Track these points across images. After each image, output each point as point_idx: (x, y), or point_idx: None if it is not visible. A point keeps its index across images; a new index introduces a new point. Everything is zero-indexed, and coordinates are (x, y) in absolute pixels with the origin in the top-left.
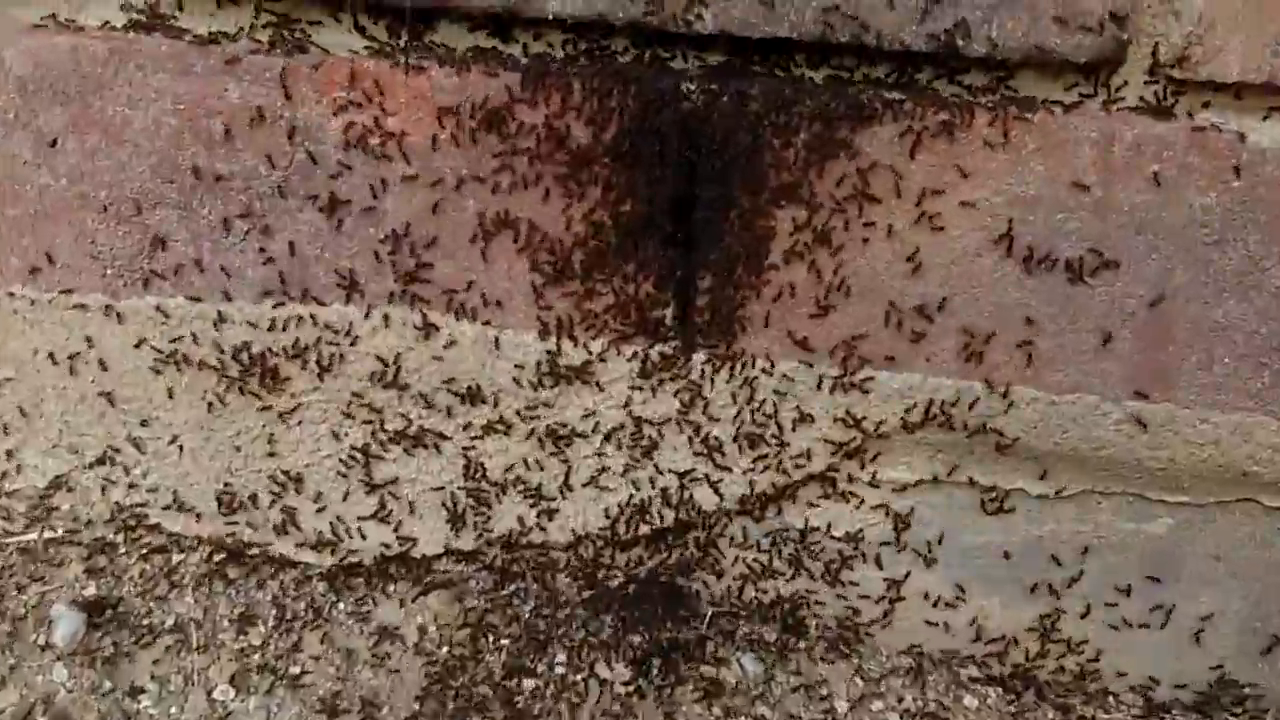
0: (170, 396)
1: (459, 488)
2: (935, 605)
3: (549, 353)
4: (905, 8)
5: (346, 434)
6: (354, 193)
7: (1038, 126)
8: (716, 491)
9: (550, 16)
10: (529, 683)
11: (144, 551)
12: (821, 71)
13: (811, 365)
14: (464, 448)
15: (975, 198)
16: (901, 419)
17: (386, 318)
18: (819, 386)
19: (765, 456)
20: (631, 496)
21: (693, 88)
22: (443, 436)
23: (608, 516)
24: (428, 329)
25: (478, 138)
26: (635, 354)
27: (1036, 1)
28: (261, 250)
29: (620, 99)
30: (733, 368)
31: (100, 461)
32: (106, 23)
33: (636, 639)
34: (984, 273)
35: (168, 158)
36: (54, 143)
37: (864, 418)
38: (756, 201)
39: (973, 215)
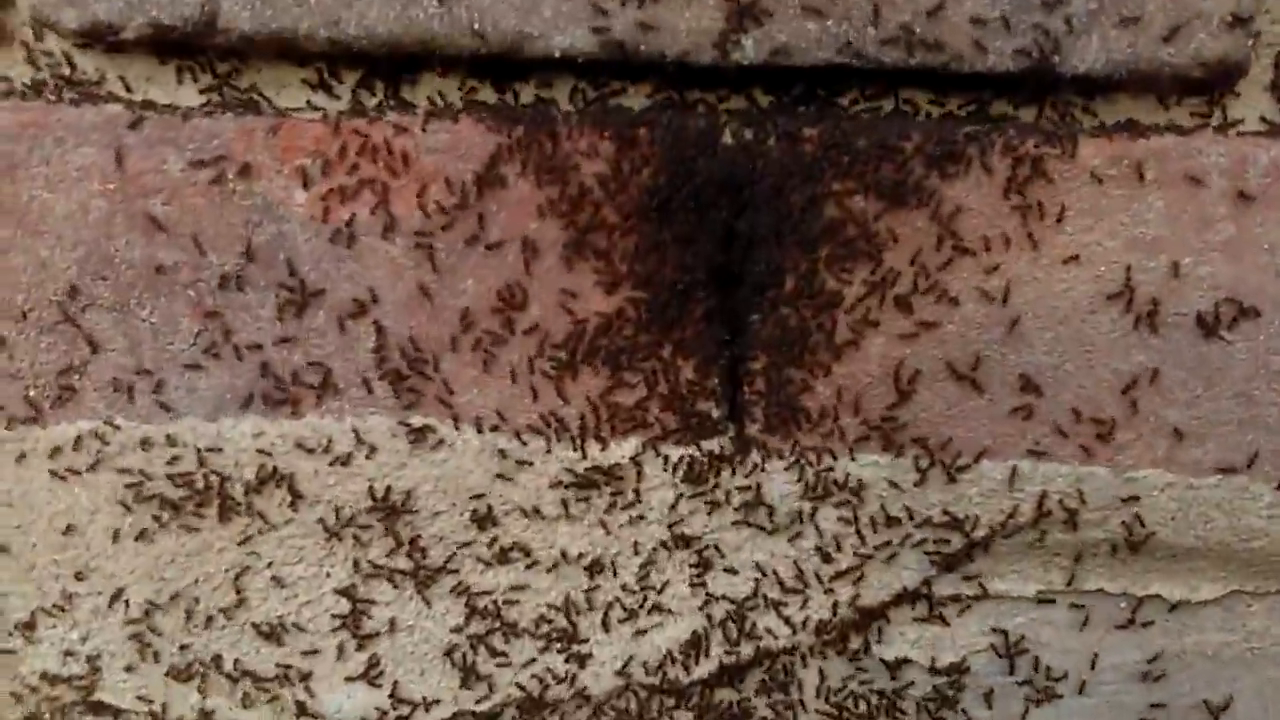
0: (113, 540)
1: (468, 635)
2: None
3: (572, 459)
4: (988, 23)
5: (329, 574)
6: (327, 280)
7: (1155, 154)
8: (786, 621)
9: (557, 55)
10: None
11: None
12: (875, 106)
13: (896, 456)
14: (473, 583)
15: (1085, 243)
16: (1009, 517)
17: (372, 429)
18: (906, 483)
19: (845, 574)
20: (682, 632)
21: (731, 132)
22: (446, 570)
23: (654, 658)
24: (423, 439)
25: (475, 205)
26: (678, 455)
27: (1144, 5)
28: (216, 356)
29: (645, 150)
30: (799, 466)
31: (28, 625)
32: (13, 90)
33: None
34: (1100, 334)
35: (98, 249)
36: None
37: (964, 519)
38: (816, 263)
39: (1082, 265)
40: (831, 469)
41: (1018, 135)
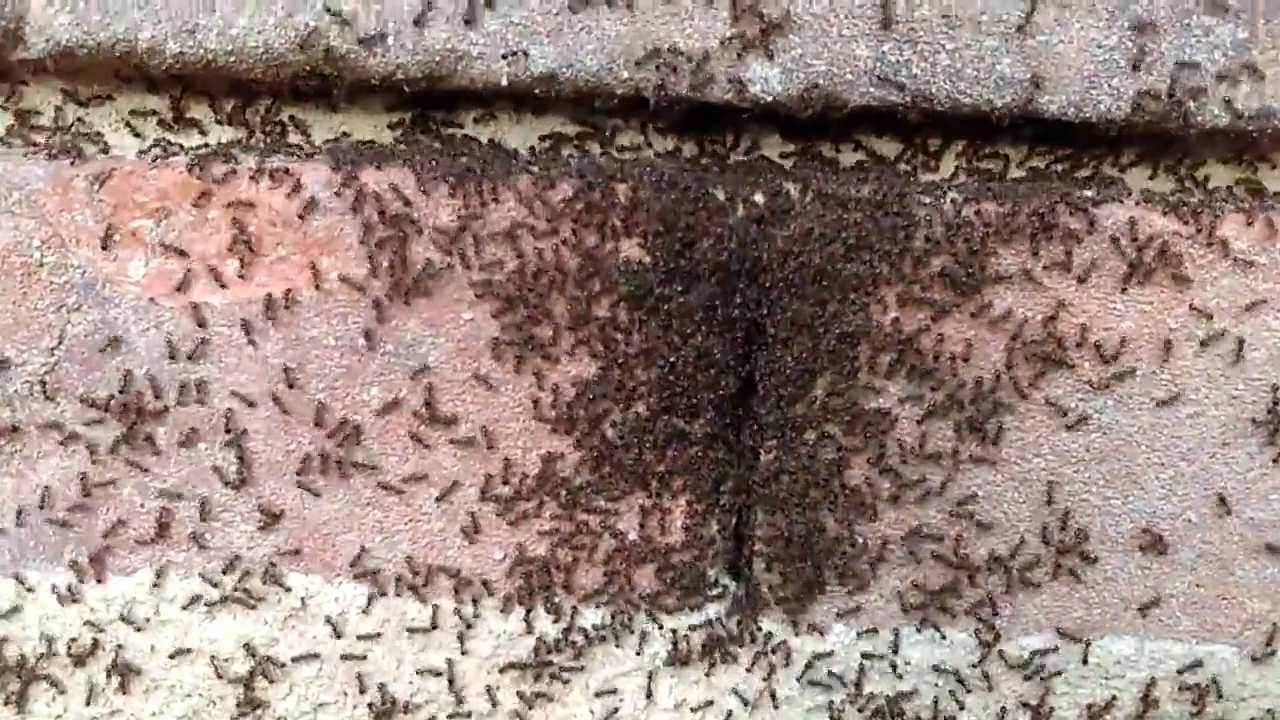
0: None
1: None
2: None
3: (513, 633)
4: (1102, 54)
5: None
6: (171, 386)
7: None
8: None
9: (504, 83)
10: None
11: None
12: (934, 162)
13: (956, 632)
14: None
15: (1223, 353)
16: (1104, 710)
17: (229, 587)
18: (967, 667)
19: None
20: None
21: (747, 194)
22: None
23: None
24: (301, 604)
25: (381, 285)
26: (661, 628)
27: None
28: (16, 489)
29: (627, 215)
30: (824, 644)
31: None
32: None
33: None
34: (1236, 473)
35: None
36: None
37: (1049, 711)
38: (857, 373)
39: (1216, 382)
40: (869, 650)
41: (1138, 207)
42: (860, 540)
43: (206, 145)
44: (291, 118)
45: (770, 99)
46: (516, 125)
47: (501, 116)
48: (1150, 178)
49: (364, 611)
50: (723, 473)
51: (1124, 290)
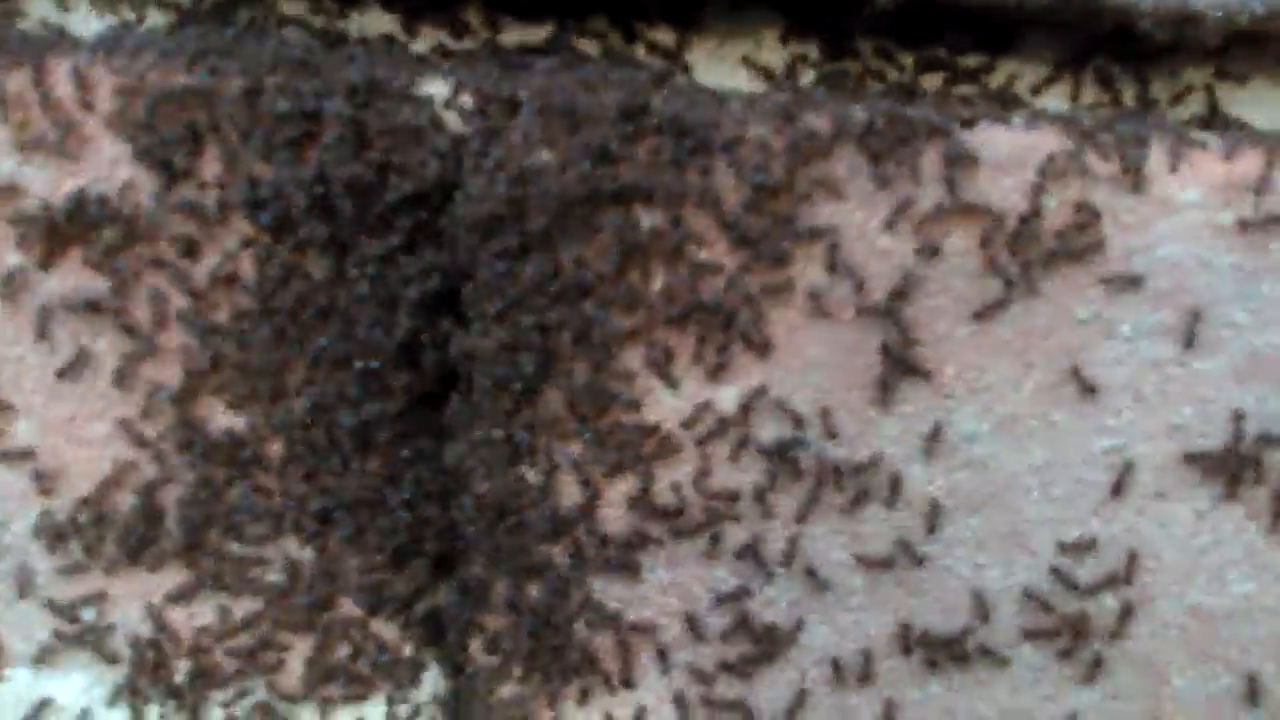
0: None
1: None
2: None
3: None
4: None
5: None
6: None
7: None
8: None
9: None
10: None
11: None
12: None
13: None
14: None
15: (1152, 358)
16: None
17: None
18: None
19: None
20: None
21: (452, 96)
22: None
23: None
24: None
25: None
26: None
27: None
28: None
29: (219, 116)
30: None
31: None
32: None
33: None
34: (1175, 535)
35: None
36: None
37: None
38: (602, 368)
39: (1144, 399)
40: None
41: (1032, 133)
42: (620, 612)
43: None
44: None
45: None
46: None
47: None
48: (1074, 90)
49: None
50: (421, 510)
51: (1012, 248)
